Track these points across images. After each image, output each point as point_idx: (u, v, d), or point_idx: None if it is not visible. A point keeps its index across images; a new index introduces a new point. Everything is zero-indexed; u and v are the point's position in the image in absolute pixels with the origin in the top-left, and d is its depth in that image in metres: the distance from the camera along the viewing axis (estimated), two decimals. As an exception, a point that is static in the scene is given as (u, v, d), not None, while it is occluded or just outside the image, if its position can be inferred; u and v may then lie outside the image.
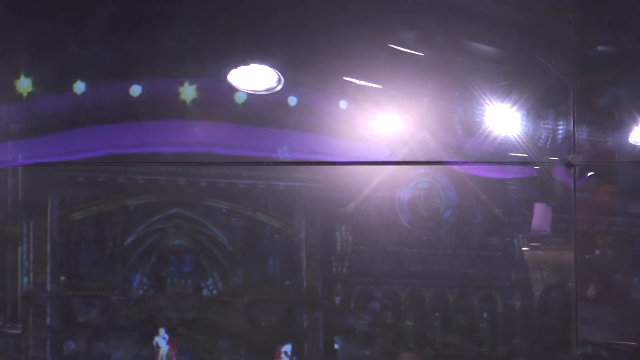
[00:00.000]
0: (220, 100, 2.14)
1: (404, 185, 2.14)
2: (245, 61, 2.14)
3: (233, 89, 2.14)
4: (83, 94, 2.12)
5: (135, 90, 2.13)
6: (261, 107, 2.14)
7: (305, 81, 2.14)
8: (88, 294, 2.10)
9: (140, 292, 2.10)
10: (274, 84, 2.14)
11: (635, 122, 2.15)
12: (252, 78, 2.15)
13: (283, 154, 2.12)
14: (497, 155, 2.14)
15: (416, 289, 2.12)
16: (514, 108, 2.14)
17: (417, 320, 2.13)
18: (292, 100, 2.11)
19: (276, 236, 2.14)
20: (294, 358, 2.09)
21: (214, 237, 2.11)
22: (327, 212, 2.13)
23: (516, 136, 2.14)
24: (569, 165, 2.13)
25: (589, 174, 2.15)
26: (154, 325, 2.07)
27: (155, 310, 2.09)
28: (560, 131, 2.15)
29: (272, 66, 2.14)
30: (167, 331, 2.07)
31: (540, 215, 2.14)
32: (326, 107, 2.14)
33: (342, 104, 2.14)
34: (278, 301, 2.11)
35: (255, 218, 2.14)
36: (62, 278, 2.10)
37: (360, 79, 2.14)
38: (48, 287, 2.09)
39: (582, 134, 2.15)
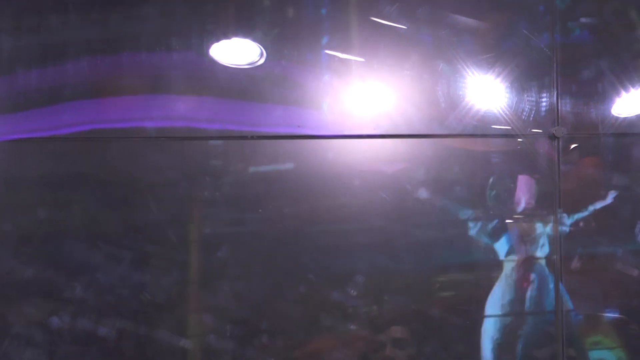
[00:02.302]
0: (203, 75, 2.13)
1: (387, 159, 2.13)
2: (227, 35, 2.14)
3: (216, 63, 2.13)
4: (66, 68, 2.12)
5: (118, 64, 2.12)
6: (244, 81, 2.13)
7: (288, 55, 2.14)
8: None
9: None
10: (256, 57, 2.14)
11: (618, 93, 2.16)
12: (235, 52, 2.14)
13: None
14: (481, 128, 2.14)
15: (401, 262, 2.12)
16: (497, 81, 2.14)
17: (404, 293, 2.13)
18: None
19: (260, 210, 2.13)
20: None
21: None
22: (311, 187, 2.12)
23: (499, 109, 2.14)
24: (552, 137, 2.13)
25: (573, 145, 2.15)
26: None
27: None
28: (544, 103, 2.15)
29: (254, 40, 2.14)
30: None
31: (524, 187, 2.14)
32: (309, 80, 2.14)
33: (326, 78, 2.13)
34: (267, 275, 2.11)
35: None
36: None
37: (343, 52, 2.14)
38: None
39: (566, 106, 2.15)
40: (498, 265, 2.14)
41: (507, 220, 2.14)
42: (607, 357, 2.13)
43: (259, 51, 2.14)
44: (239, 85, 2.14)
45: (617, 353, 2.13)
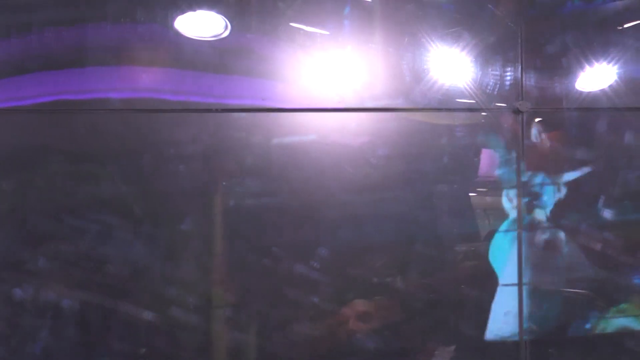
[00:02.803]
0: (168, 47, 2.13)
1: (352, 132, 2.14)
2: (192, 7, 2.13)
3: (180, 36, 2.12)
4: (30, 39, 2.10)
5: (83, 36, 2.11)
6: (209, 53, 2.13)
7: (253, 27, 2.13)
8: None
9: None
10: (221, 30, 2.13)
11: (582, 68, 2.16)
12: (200, 24, 2.13)
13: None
14: (445, 102, 2.15)
15: (364, 236, 2.13)
16: (462, 55, 2.15)
17: (366, 267, 2.14)
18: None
19: (224, 183, 2.13)
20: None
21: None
22: (276, 159, 2.12)
23: (464, 83, 2.15)
24: (516, 111, 2.14)
25: (537, 120, 2.16)
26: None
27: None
28: (508, 78, 2.15)
29: (219, 12, 2.13)
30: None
31: (488, 161, 2.15)
32: (274, 53, 2.13)
33: (291, 50, 2.13)
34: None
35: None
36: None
37: (308, 25, 2.14)
38: None
39: (530, 81, 2.16)
40: (463, 239, 2.14)
41: (470, 194, 2.14)
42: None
43: (223, 23, 2.13)
44: (203, 57, 2.13)
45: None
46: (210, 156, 2.12)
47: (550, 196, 2.16)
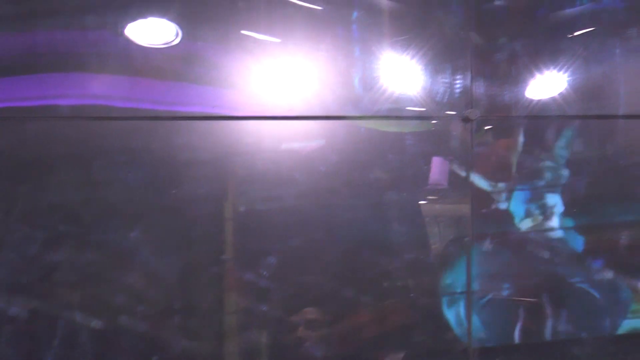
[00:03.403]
0: (118, 54, 2.13)
1: (301, 140, 2.14)
2: (143, 14, 2.13)
3: (131, 42, 2.12)
4: (-21, 46, 2.10)
5: (33, 42, 2.11)
6: (160, 60, 2.13)
7: (204, 35, 2.14)
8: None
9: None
10: (172, 37, 2.13)
11: (531, 76, 2.17)
12: (151, 31, 2.13)
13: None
14: (395, 110, 2.15)
15: (314, 243, 2.13)
16: (412, 63, 2.15)
17: (316, 274, 2.14)
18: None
19: (174, 191, 2.13)
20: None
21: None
22: (225, 167, 2.13)
23: (414, 91, 2.15)
24: (466, 119, 2.15)
25: (486, 127, 2.16)
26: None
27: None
28: (458, 86, 2.16)
29: (170, 20, 2.13)
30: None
31: (438, 169, 2.15)
32: (225, 61, 2.14)
33: (242, 58, 2.13)
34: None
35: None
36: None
37: (258, 32, 2.14)
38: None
39: (480, 89, 2.16)
40: (412, 245, 2.15)
41: (420, 202, 2.15)
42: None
43: (174, 31, 2.13)
44: (154, 64, 2.13)
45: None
46: (160, 164, 2.12)
47: (499, 203, 2.16)
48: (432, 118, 2.15)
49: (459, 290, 2.14)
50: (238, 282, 2.11)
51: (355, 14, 2.16)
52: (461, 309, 2.13)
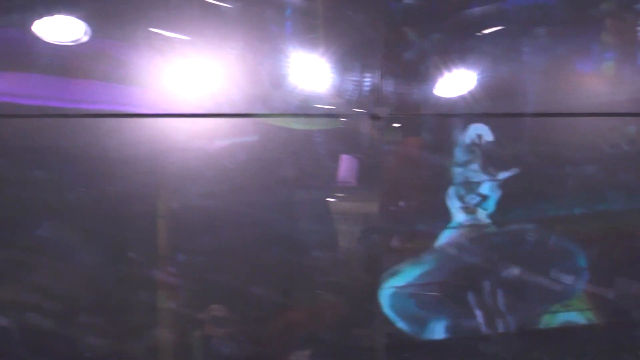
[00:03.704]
0: (25, 51, 2.11)
1: (210, 137, 2.14)
2: (50, 11, 2.12)
3: (38, 40, 2.11)
4: None
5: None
6: (68, 58, 2.12)
7: (112, 32, 2.13)
8: None
9: None
10: (80, 35, 2.12)
11: (440, 74, 2.18)
12: (58, 29, 2.12)
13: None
14: (304, 108, 2.15)
15: (222, 241, 2.13)
16: (321, 60, 2.15)
17: (226, 272, 2.14)
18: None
19: (82, 188, 2.12)
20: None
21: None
22: (133, 165, 2.12)
23: (323, 89, 2.15)
24: (375, 117, 2.15)
25: (395, 125, 2.17)
26: None
27: None
28: (367, 84, 2.16)
29: (78, 17, 2.12)
30: None
31: (346, 167, 2.15)
32: (133, 58, 2.13)
33: (149, 56, 2.13)
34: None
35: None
36: None
37: (167, 30, 2.13)
38: None
39: (389, 87, 2.16)
40: (321, 243, 2.15)
41: (329, 200, 2.15)
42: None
43: (82, 28, 2.12)
44: (61, 62, 2.12)
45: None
46: (68, 162, 2.11)
47: (407, 201, 2.17)
48: (341, 116, 2.15)
49: (369, 286, 2.14)
50: (146, 279, 2.11)
51: (264, 12, 2.15)
52: (371, 304, 2.13)
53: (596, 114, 2.20)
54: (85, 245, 2.10)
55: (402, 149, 2.17)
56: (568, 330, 2.24)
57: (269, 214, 2.14)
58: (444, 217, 2.18)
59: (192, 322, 2.11)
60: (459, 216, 2.19)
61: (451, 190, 2.19)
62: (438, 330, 2.17)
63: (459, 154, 2.18)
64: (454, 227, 2.17)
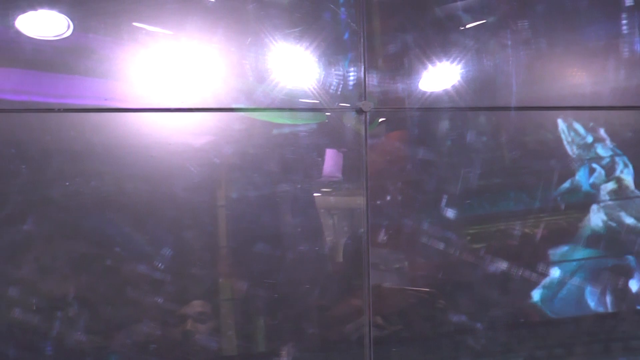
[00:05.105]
0: (8, 46, 2.11)
1: (195, 132, 2.13)
2: (33, 6, 2.12)
3: (21, 35, 2.11)
4: None
5: None
6: (51, 52, 2.11)
7: (95, 27, 2.12)
8: None
9: None
10: (63, 29, 2.12)
11: (424, 68, 2.18)
12: (41, 24, 2.12)
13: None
14: (288, 102, 2.15)
15: (208, 235, 2.13)
16: (305, 55, 2.15)
17: (207, 267, 2.13)
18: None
19: (67, 183, 2.12)
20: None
21: None
22: (119, 160, 2.12)
23: (307, 83, 2.15)
24: (359, 111, 2.15)
25: (380, 120, 2.17)
26: None
27: None
28: (351, 78, 2.16)
29: (61, 12, 2.12)
30: None
31: (332, 161, 2.16)
32: (117, 53, 2.13)
33: (134, 50, 2.13)
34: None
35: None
36: None
37: (150, 24, 2.13)
38: None
39: (373, 81, 2.17)
40: (306, 238, 2.15)
41: (315, 194, 2.15)
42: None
43: (65, 23, 2.12)
44: (45, 57, 2.11)
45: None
46: (52, 156, 2.11)
47: (393, 195, 2.17)
48: (325, 110, 2.15)
49: (355, 281, 2.14)
50: (130, 274, 2.10)
51: (248, 6, 2.15)
52: (357, 299, 2.13)
53: (580, 108, 2.21)
54: (68, 240, 2.09)
55: (388, 143, 2.17)
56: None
57: (254, 209, 2.14)
58: (432, 212, 2.18)
59: (177, 318, 2.10)
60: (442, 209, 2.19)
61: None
62: (424, 325, 2.17)
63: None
64: (434, 221, 2.17)
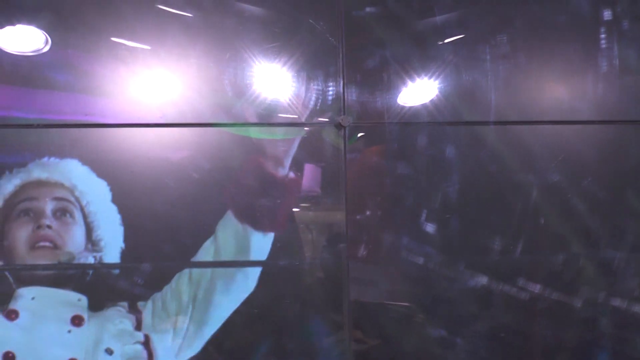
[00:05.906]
0: (-13, 62, 2.12)
1: (173, 146, 2.14)
2: (12, 22, 2.12)
3: (0, 50, 2.11)
4: None
5: None
6: (30, 68, 2.12)
7: (74, 42, 2.13)
8: None
9: None
10: (41, 45, 2.12)
11: (403, 83, 2.18)
12: (20, 39, 2.12)
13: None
14: (267, 117, 2.15)
15: (186, 249, 2.13)
16: (284, 70, 2.16)
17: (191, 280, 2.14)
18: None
19: (47, 199, 2.12)
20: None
21: None
22: (98, 175, 2.12)
23: (286, 98, 2.16)
24: (338, 126, 2.15)
25: (359, 134, 2.17)
26: None
27: None
28: (330, 92, 2.17)
29: (39, 27, 2.12)
30: None
31: (311, 176, 2.16)
32: (96, 68, 2.13)
33: (113, 65, 2.13)
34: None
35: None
36: None
37: (129, 40, 2.13)
38: None
39: (352, 95, 2.17)
40: (286, 252, 2.15)
41: (294, 209, 2.15)
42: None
43: (44, 38, 2.12)
44: (24, 72, 2.12)
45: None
46: (31, 172, 2.11)
47: (372, 210, 2.17)
48: (304, 125, 2.15)
49: (334, 297, 2.14)
50: (112, 288, 2.11)
51: (226, 21, 2.16)
52: (337, 316, 2.13)
53: (559, 122, 2.21)
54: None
55: (367, 157, 2.17)
56: None
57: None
58: (411, 227, 2.17)
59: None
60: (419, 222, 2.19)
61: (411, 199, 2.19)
62: (405, 339, 2.17)
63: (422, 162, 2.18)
64: (409, 234, 2.17)
